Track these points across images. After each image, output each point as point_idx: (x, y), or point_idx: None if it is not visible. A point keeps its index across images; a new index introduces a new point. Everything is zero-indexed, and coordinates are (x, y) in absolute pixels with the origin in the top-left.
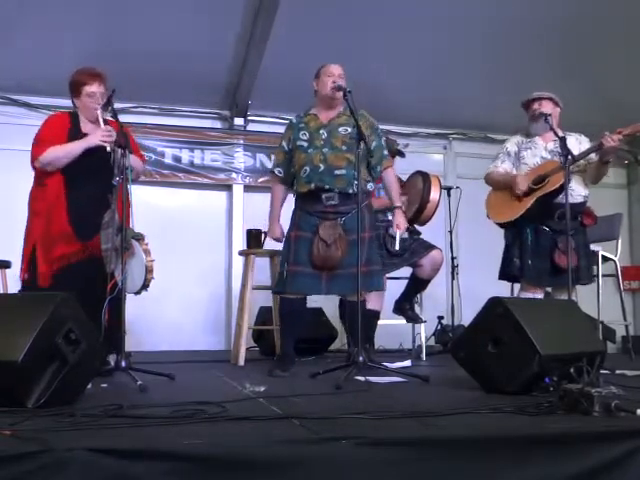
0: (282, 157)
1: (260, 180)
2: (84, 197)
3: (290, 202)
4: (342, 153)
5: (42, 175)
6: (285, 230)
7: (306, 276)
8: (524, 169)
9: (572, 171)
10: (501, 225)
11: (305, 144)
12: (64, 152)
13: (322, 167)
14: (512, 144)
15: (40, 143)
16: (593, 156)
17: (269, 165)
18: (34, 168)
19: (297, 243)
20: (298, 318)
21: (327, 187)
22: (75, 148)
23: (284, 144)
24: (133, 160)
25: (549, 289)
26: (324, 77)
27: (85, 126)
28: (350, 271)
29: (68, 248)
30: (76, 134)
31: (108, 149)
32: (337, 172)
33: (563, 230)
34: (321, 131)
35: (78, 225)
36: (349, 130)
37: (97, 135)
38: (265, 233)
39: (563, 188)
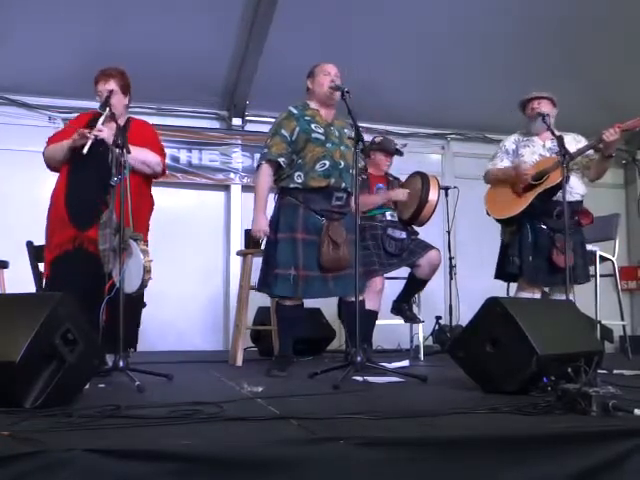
0: (284, 147)
1: None
2: (82, 184)
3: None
4: (352, 153)
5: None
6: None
7: (317, 280)
8: None
9: (571, 169)
10: (501, 222)
11: (322, 137)
12: (54, 149)
13: (342, 164)
14: (510, 142)
15: (47, 142)
16: (591, 152)
17: None
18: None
19: (305, 246)
20: (297, 321)
21: (343, 185)
22: (60, 147)
23: (285, 134)
24: (137, 152)
25: (547, 289)
26: (320, 76)
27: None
28: (352, 272)
29: (63, 235)
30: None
31: (84, 151)
32: (351, 171)
33: (561, 229)
34: (332, 128)
35: (73, 211)
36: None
37: (72, 137)
38: None
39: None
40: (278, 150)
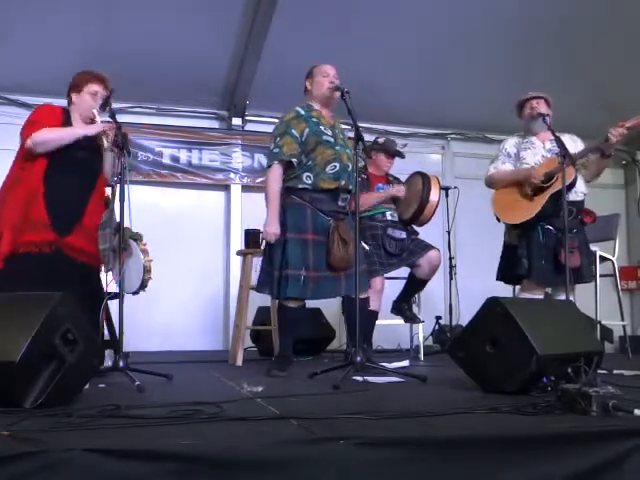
0: (295, 147)
1: (258, 180)
2: (65, 187)
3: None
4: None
5: (27, 159)
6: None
7: (328, 280)
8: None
9: (577, 169)
10: (508, 224)
11: (332, 139)
12: (60, 134)
13: (350, 167)
14: (510, 145)
15: (34, 123)
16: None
17: None
18: (23, 149)
19: (315, 246)
20: (299, 322)
21: (350, 187)
22: (73, 133)
23: (296, 134)
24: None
25: (549, 290)
26: (319, 77)
27: (76, 124)
28: (360, 269)
29: (37, 236)
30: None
31: (106, 144)
32: (354, 173)
33: (568, 229)
34: (336, 130)
35: (55, 214)
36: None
37: (99, 125)
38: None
39: (574, 184)
40: (290, 150)
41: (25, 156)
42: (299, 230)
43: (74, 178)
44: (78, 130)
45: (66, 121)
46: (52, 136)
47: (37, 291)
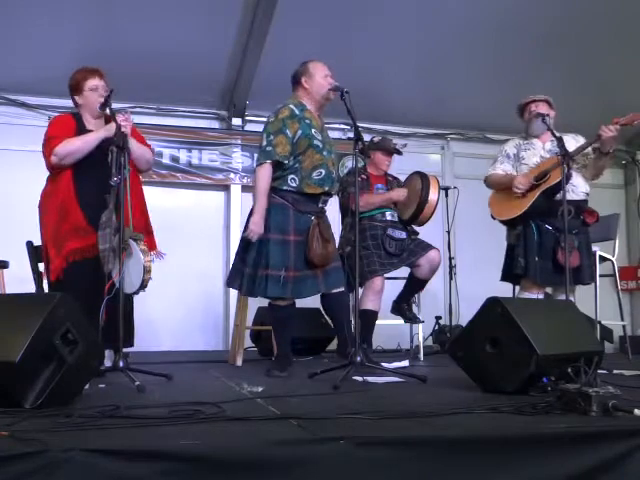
0: (288, 149)
1: None
2: (94, 190)
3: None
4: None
5: (54, 172)
6: None
7: (309, 278)
8: (524, 169)
9: (572, 167)
10: (506, 223)
11: (320, 144)
12: (82, 142)
13: (334, 173)
14: (510, 146)
15: (54, 139)
16: (590, 150)
17: None
18: (49, 165)
19: (296, 246)
20: (290, 320)
21: (332, 192)
22: (96, 137)
23: (289, 134)
24: (143, 150)
25: (549, 290)
26: (319, 78)
27: (89, 124)
28: (333, 265)
29: (81, 242)
30: (82, 133)
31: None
32: (337, 180)
33: (568, 229)
34: (324, 134)
35: (90, 216)
36: None
37: (112, 126)
38: None
39: (567, 180)
40: (284, 151)
41: (53, 170)
42: (281, 231)
43: (101, 178)
44: (99, 134)
45: (79, 127)
46: (75, 147)
47: (85, 297)
